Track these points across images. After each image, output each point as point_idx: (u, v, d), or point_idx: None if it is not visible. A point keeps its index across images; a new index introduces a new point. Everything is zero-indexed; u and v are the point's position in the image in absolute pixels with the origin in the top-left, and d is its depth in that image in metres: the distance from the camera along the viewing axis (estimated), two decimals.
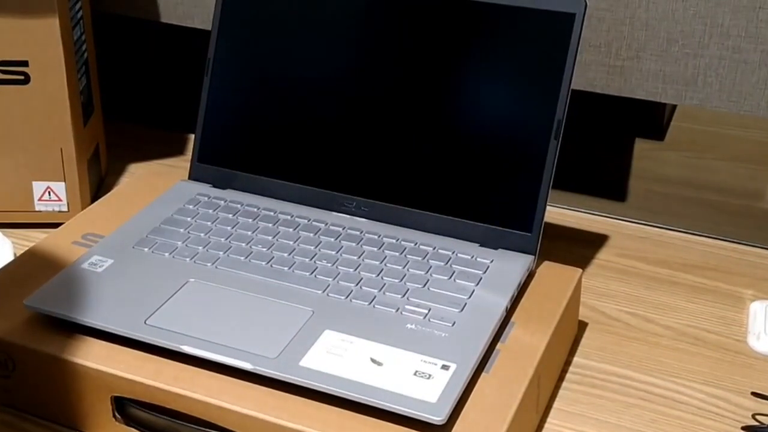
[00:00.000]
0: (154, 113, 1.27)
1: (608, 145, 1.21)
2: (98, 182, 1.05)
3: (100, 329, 0.70)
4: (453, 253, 0.78)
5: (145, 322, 0.69)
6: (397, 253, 0.78)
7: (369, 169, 0.83)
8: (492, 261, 0.77)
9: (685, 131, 1.23)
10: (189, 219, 0.83)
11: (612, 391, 0.77)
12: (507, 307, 0.73)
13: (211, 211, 0.84)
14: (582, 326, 0.85)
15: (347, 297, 0.73)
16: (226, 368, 0.67)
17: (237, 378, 0.67)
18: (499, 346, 0.71)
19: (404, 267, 0.76)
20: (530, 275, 0.78)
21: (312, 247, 0.79)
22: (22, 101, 0.92)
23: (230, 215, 0.83)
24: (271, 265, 0.76)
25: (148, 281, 0.74)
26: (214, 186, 0.88)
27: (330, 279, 0.75)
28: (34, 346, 0.70)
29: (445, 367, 0.65)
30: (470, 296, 0.73)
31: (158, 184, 0.90)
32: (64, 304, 0.71)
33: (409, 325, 0.70)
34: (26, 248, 0.81)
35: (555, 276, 0.79)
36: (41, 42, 0.90)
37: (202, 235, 0.80)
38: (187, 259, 0.77)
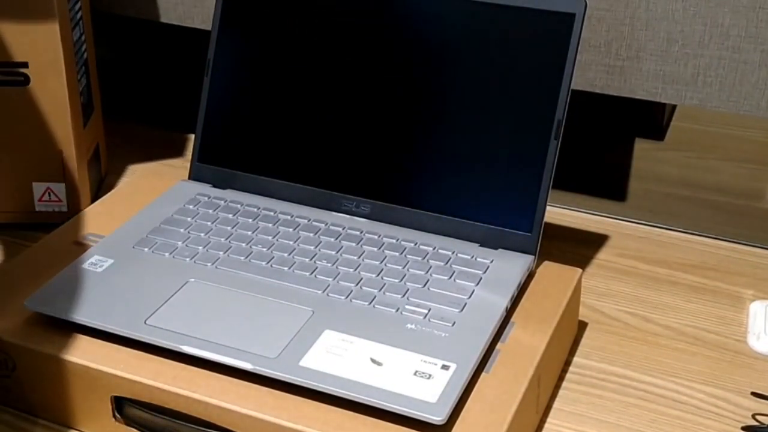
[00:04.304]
0: (154, 113, 1.27)
1: (608, 145, 1.21)
2: (98, 182, 1.06)
3: (100, 329, 0.70)
4: (453, 253, 0.78)
5: (145, 322, 0.69)
6: (397, 253, 0.78)
7: (369, 169, 0.83)
8: (492, 261, 0.77)
9: (685, 131, 1.23)
10: (189, 219, 0.83)
11: (612, 391, 0.77)
12: (507, 307, 0.73)
13: (211, 211, 0.84)
14: (582, 326, 0.85)
15: (347, 297, 0.73)
16: (226, 368, 0.67)
17: (237, 378, 0.67)
18: (499, 346, 0.71)
19: (404, 267, 0.76)
20: (530, 275, 0.78)
21: (312, 247, 0.79)
22: (22, 103, 0.92)
23: (230, 215, 0.83)
24: (271, 265, 0.76)
25: (148, 281, 0.74)
26: (214, 186, 0.88)
27: (330, 279, 0.75)
28: (34, 346, 0.70)
29: (445, 367, 0.65)
30: (470, 296, 0.73)
31: (158, 184, 0.90)
32: (65, 304, 0.71)
33: (409, 325, 0.70)
34: (26, 248, 0.81)
35: (555, 276, 0.79)
36: (41, 44, 0.90)
37: (202, 235, 0.80)
38: (187, 259, 0.77)
